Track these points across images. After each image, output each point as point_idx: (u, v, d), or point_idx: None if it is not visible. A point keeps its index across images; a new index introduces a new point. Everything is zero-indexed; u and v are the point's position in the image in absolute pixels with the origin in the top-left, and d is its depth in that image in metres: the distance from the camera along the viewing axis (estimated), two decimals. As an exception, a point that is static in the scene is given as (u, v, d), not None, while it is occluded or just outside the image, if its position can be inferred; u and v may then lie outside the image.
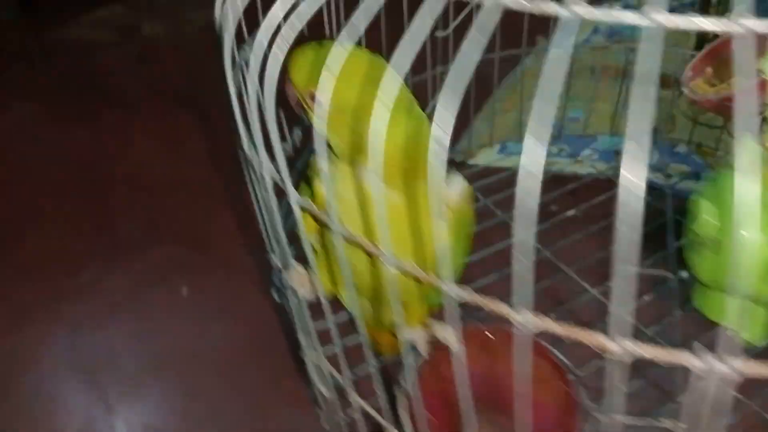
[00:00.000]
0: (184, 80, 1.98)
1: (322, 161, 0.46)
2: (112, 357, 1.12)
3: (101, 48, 2.23)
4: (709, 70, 1.17)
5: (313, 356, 0.76)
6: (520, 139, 1.40)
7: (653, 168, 1.35)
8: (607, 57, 1.71)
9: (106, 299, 1.23)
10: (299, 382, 0.99)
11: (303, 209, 0.55)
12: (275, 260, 0.71)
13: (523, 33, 1.31)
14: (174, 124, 1.75)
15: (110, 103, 1.87)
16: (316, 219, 0.61)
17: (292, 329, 0.81)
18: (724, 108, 1.06)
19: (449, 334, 0.71)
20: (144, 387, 1.07)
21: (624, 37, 1.81)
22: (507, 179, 1.34)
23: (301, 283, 0.68)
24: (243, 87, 0.61)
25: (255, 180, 0.64)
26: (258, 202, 0.73)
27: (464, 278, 0.62)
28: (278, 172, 0.57)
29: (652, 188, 1.31)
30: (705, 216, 0.91)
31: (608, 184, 1.34)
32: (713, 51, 1.18)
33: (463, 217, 0.64)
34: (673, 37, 1.48)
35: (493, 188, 1.30)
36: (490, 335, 0.74)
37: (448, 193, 0.63)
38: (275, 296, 0.96)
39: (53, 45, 2.24)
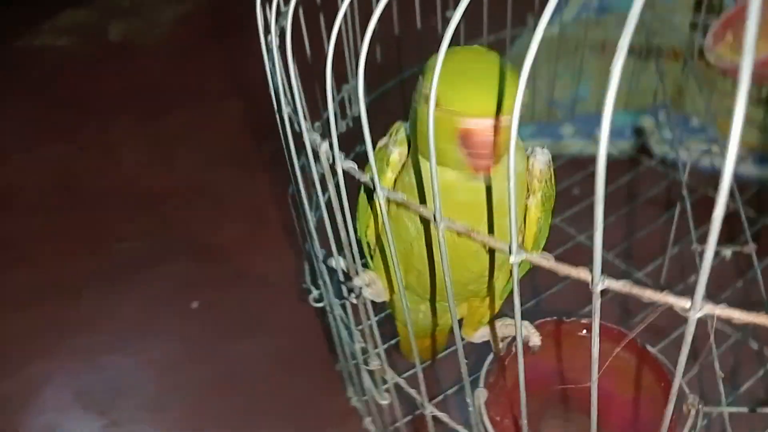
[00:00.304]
0: (160, 83, 1.87)
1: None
2: (123, 390, 1.03)
3: (68, 55, 2.10)
4: (729, 37, 1.14)
5: (375, 365, 0.70)
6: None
7: (670, 143, 1.32)
8: (605, 31, 1.68)
9: (112, 327, 1.13)
10: (339, 396, 0.92)
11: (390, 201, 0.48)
12: (334, 264, 0.64)
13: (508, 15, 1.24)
14: (158, 129, 1.65)
15: (87, 112, 1.76)
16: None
17: (328, 341, 0.75)
18: (753, 75, 1.03)
19: (527, 329, 0.66)
20: (159, 422, 0.99)
21: (613, 10, 1.78)
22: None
23: (370, 282, 0.62)
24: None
25: (312, 174, 0.57)
26: (304, 202, 0.66)
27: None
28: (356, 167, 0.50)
29: (672, 165, 1.27)
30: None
31: (630, 163, 1.30)
32: (732, 18, 1.15)
33: (550, 188, 0.59)
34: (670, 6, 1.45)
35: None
36: (571, 327, 0.69)
37: (537, 164, 0.58)
38: (314, 304, 0.88)
39: (18, 56, 2.11)
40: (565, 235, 1.13)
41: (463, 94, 0.49)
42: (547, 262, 0.42)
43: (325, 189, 0.56)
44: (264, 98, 0.65)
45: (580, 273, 0.41)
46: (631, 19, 0.31)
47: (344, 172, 0.51)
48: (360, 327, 0.69)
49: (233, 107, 1.63)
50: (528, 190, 0.59)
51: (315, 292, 0.85)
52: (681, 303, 0.38)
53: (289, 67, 0.54)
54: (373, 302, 0.64)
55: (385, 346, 0.93)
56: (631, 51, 1.58)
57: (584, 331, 0.68)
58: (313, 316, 1.04)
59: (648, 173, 1.28)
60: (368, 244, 0.66)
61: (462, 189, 0.54)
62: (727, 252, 0.99)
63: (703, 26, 1.28)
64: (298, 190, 0.66)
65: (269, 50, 0.59)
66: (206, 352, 1.07)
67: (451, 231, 0.49)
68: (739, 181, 1.09)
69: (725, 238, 1.02)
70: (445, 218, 0.46)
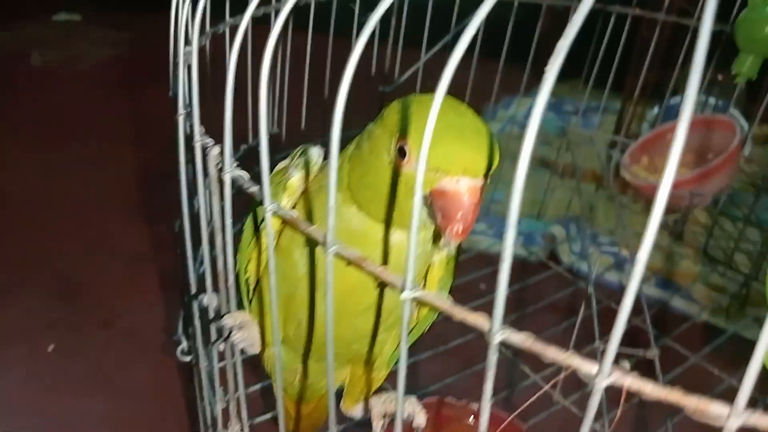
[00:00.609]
0: (69, 115, 1.78)
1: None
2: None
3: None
4: (645, 159, 1.18)
5: (236, 428, 0.60)
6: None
7: (579, 256, 1.32)
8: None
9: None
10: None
11: (277, 216, 0.42)
12: (206, 301, 0.56)
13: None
14: (53, 159, 1.53)
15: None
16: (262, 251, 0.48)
17: (188, 409, 0.65)
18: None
19: (413, 406, 0.58)
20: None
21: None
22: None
23: (243, 324, 0.54)
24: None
25: (200, 188, 0.50)
26: (184, 226, 0.58)
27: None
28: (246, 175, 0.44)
29: (577, 276, 1.27)
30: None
31: (540, 267, 1.29)
32: (648, 141, 1.20)
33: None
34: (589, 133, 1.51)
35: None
36: (458, 413, 0.62)
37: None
38: (181, 357, 0.78)
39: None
40: (468, 328, 1.07)
41: (449, 149, 0.43)
42: (443, 303, 0.36)
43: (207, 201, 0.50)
44: (167, 149, 0.58)
45: (478, 320, 0.35)
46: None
47: (233, 183, 0.45)
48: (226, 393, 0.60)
49: (134, 151, 1.56)
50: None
51: (184, 344, 0.76)
52: (587, 368, 0.33)
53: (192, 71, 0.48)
54: (253, 364, 0.56)
55: (260, 418, 0.84)
56: (549, 166, 1.63)
57: (471, 419, 0.62)
58: (176, 379, 0.93)
59: (555, 279, 1.26)
60: (247, 282, 0.59)
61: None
62: (626, 364, 0.97)
63: (621, 147, 1.33)
64: (184, 206, 0.58)
65: (177, 52, 0.53)
66: (48, 403, 0.93)
67: (341, 281, 0.43)
68: (640, 301, 1.09)
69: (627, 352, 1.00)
70: (337, 242, 0.39)
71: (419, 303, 0.37)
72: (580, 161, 1.56)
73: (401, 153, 0.44)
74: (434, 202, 0.44)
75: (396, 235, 0.49)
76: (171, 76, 0.57)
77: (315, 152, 0.54)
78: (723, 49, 1.19)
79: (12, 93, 1.89)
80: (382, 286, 0.51)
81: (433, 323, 1.05)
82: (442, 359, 1.02)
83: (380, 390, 0.62)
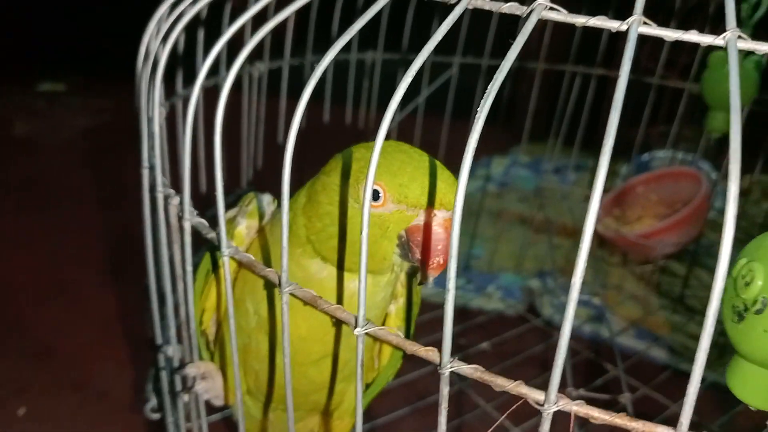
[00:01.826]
0: (49, 181, 1.79)
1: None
2: None
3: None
4: (616, 211, 1.21)
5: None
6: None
7: (557, 309, 1.32)
8: (503, 203, 1.77)
9: None
10: None
11: (233, 259, 0.42)
12: (171, 351, 0.56)
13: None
14: (31, 224, 1.54)
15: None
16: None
17: None
18: (635, 246, 1.08)
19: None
20: None
21: (513, 187, 1.89)
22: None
23: (206, 374, 0.53)
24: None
25: (162, 236, 0.51)
26: (149, 276, 0.58)
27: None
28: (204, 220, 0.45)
29: (556, 328, 1.27)
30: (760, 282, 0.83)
31: (518, 320, 1.29)
32: (620, 194, 1.23)
33: (416, 296, 0.55)
34: (566, 190, 1.55)
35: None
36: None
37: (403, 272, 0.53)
38: (150, 415, 0.76)
39: None
40: (421, 363, 1.07)
41: (426, 185, 0.44)
42: (395, 338, 0.37)
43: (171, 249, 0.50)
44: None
45: (429, 353, 0.36)
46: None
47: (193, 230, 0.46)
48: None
49: (110, 216, 1.57)
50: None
51: (153, 401, 0.75)
52: (535, 395, 0.33)
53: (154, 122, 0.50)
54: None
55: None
56: (526, 222, 1.65)
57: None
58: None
59: (534, 331, 1.26)
60: (204, 333, 0.58)
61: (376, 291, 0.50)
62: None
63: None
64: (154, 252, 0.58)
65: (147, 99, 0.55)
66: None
67: (294, 329, 0.43)
68: (619, 350, 1.09)
69: (603, 402, 0.99)
70: (292, 283, 0.40)
71: (374, 339, 0.37)
72: (555, 217, 1.58)
73: (374, 196, 0.45)
74: (411, 239, 0.45)
75: (355, 282, 0.49)
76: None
77: (264, 200, 0.55)
78: (688, 106, 1.23)
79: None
80: (337, 331, 0.51)
81: (414, 380, 1.05)
82: (421, 415, 1.01)
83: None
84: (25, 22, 2.75)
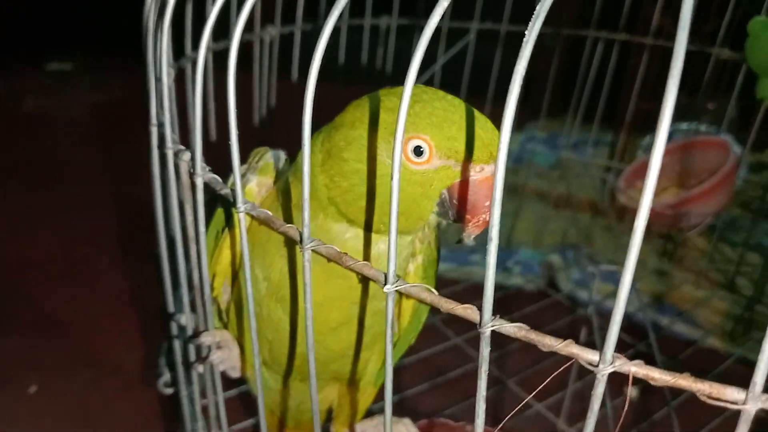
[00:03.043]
0: (61, 158, 1.77)
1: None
2: None
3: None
4: (640, 183, 1.16)
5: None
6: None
7: (578, 283, 1.29)
8: (520, 178, 1.73)
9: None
10: None
11: (252, 217, 0.39)
12: (184, 320, 0.53)
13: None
14: (43, 201, 1.51)
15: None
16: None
17: None
18: (661, 217, 1.04)
19: (407, 427, 0.55)
20: None
21: (530, 162, 1.85)
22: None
23: (222, 343, 0.50)
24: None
25: (174, 196, 0.48)
26: (159, 241, 0.55)
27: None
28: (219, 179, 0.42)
29: (576, 303, 1.24)
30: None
31: (538, 295, 1.26)
32: (642, 166, 1.18)
33: (433, 251, 0.52)
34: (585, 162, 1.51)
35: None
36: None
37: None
38: (164, 389, 0.74)
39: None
40: (466, 358, 1.04)
41: (466, 138, 0.40)
42: (429, 295, 0.34)
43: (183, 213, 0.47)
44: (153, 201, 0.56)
45: (467, 311, 0.32)
46: None
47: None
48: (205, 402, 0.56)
49: (123, 192, 1.54)
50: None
51: (167, 375, 0.72)
52: (587, 355, 0.30)
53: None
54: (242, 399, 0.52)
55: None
56: (544, 198, 1.61)
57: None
58: (161, 416, 0.89)
59: (554, 306, 1.23)
60: (216, 301, 0.55)
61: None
62: (633, 391, 0.93)
63: (615, 172, 1.31)
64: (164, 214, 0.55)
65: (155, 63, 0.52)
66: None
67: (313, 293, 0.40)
68: (641, 326, 1.06)
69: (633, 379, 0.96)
70: (314, 239, 0.37)
71: (405, 297, 0.34)
72: (575, 190, 1.54)
73: (417, 152, 0.41)
74: (453, 197, 0.41)
75: (381, 244, 0.46)
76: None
77: (273, 155, 0.51)
78: (711, 78, 1.19)
79: (3, 139, 1.88)
80: (356, 296, 0.48)
81: (432, 355, 1.02)
82: (440, 391, 0.98)
83: (371, 414, 0.59)
84: (33, 2, 2.72)
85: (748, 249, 1.29)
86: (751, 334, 1.16)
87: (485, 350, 0.31)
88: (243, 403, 0.87)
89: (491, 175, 0.40)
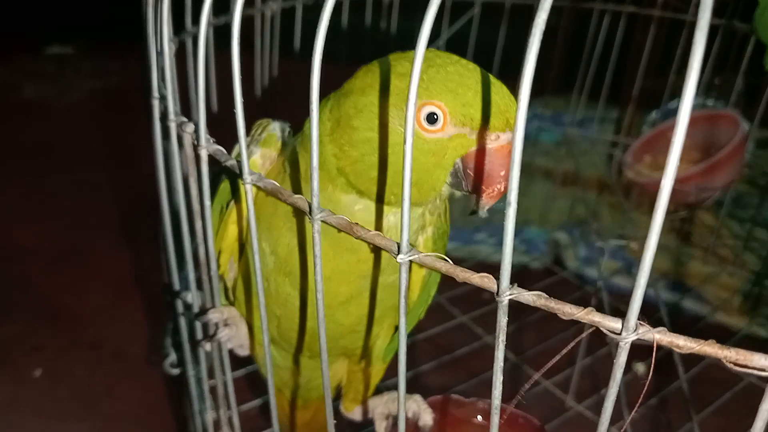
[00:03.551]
0: (60, 144, 1.75)
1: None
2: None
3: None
4: (647, 158, 1.15)
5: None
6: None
7: (585, 260, 1.28)
8: (525, 156, 1.71)
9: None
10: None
11: (259, 188, 0.38)
12: (190, 298, 0.52)
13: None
14: (43, 187, 1.51)
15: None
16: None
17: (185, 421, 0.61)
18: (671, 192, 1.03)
19: (418, 404, 0.54)
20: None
21: (534, 140, 1.83)
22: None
23: (229, 320, 0.49)
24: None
25: (176, 167, 0.47)
26: (162, 215, 0.54)
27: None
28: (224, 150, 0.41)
29: (584, 280, 1.23)
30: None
31: (544, 273, 1.25)
32: (650, 140, 1.17)
33: (444, 223, 0.51)
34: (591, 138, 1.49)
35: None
36: (467, 411, 0.57)
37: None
38: (169, 370, 0.73)
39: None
40: (472, 336, 1.03)
41: (491, 104, 0.38)
42: (444, 264, 0.32)
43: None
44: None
45: (484, 280, 0.31)
46: None
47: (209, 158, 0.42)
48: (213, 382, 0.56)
49: (123, 177, 1.53)
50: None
51: (172, 356, 0.71)
52: (609, 323, 0.29)
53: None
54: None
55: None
56: (550, 176, 1.60)
57: (480, 417, 0.57)
58: (165, 398, 0.89)
59: (561, 284, 1.22)
60: (222, 278, 0.54)
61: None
62: (640, 366, 0.92)
63: (622, 147, 1.30)
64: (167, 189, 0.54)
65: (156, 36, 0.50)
66: (35, 428, 0.88)
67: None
68: (649, 303, 1.05)
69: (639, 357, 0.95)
70: (324, 209, 0.36)
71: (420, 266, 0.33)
72: (582, 167, 1.53)
73: (430, 119, 0.39)
74: (468, 167, 0.40)
75: (392, 216, 0.45)
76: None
77: (277, 127, 0.50)
78: (719, 52, 1.17)
79: (3, 124, 1.87)
80: (365, 270, 0.47)
81: (439, 334, 1.02)
82: (447, 369, 0.98)
83: (381, 391, 0.58)
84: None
85: (756, 225, 1.28)
86: (760, 310, 1.15)
87: (503, 320, 0.30)
88: (249, 383, 0.86)
89: (507, 143, 0.39)
